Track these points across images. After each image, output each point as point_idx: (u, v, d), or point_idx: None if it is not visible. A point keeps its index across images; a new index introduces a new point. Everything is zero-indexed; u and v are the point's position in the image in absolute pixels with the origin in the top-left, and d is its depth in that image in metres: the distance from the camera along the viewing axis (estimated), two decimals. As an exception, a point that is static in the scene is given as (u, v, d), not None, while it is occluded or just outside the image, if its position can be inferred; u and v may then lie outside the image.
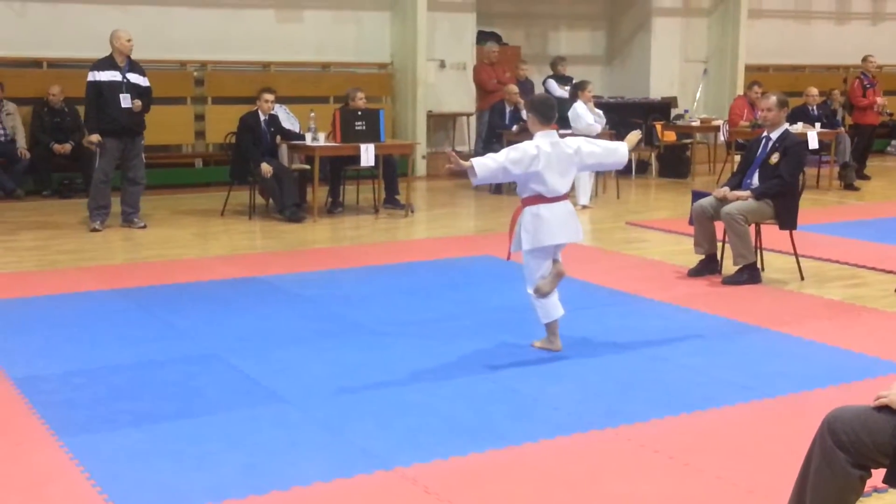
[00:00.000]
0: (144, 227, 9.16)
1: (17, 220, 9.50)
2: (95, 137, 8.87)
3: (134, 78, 9.03)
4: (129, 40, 8.97)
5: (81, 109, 10.98)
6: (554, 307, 5.23)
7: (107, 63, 8.95)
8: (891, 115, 14.79)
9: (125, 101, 8.89)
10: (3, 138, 10.84)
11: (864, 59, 13.64)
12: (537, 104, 5.28)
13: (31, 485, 3.52)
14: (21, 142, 10.83)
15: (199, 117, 12.20)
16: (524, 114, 11.80)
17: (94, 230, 8.89)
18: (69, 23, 11.38)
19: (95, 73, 8.88)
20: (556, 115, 5.26)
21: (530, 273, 5.23)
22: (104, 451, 3.80)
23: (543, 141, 5.12)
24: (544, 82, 13.23)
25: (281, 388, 4.59)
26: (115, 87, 8.87)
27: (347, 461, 3.73)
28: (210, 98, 12.23)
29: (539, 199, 5.14)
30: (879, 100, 13.25)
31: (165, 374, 4.79)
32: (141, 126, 9.17)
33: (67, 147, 10.95)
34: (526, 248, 5.17)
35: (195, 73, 12.24)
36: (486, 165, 5.02)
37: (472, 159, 5.09)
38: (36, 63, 11.47)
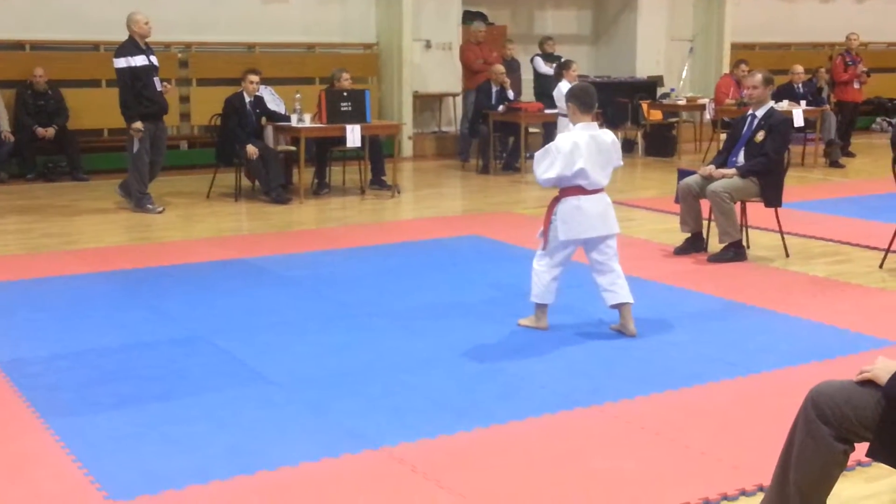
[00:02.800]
0: (163, 210, 9.08)
1: (1, 204, 9.44)
2: (140, 125, 8.78)
3: (154, 60, 8.98)
4: (147, 23, 8.88)
5: (66, 92, 10.97)
6: (549, 292, 5.20)
7: (133, 47, 8.80)
8: (877, 97, 14.76)
9: (158, 84, 8.91)
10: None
11: (847, 37, 13.63)
12: (578, 93, 5.16)
13: (17, 467, 3.52)
14: (4, 125, 10.74)
15: (184, 99, 12.12)
16: (510, 94, 11.88)
17: (160, 212, 8.95)
18: (53, 4, 11.27)
19: (129, 58, 8.71)
20: (596, 103, 5.18)
21: (551, 254, 5.19)
22: (90, 434, 3.80)
23: (582, 133, 5.05)
24: (532, 60, 13.19)
25: (266, 370, 4.58)
26: (148, 71, 8.83)
27: (334, 441, 3.74)
28: (195, 80, 12.15)
29: (580, 190, 5.08)
30: (861, 66, 13.20)
31: (151, 357, 4.78)
32: (167, 108, 9.19)
33: (51, 131, 10.86)
34: (562, 238, 5.12)
35: (179, 55, 12.15)
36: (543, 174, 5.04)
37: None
38: (19, 45, 11.37)
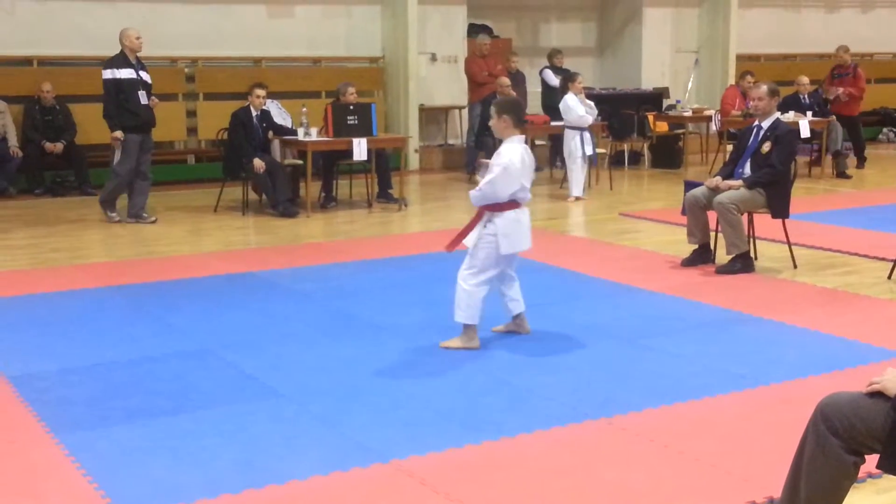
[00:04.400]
0: (155, 221, 9.31)
1: (10, 219, 9.48)
2: (119, 134, 9.02)
3: (144, 75, 9.22)
4: (138, 38, 9.13)
5: (73, 107, 11.02)
6: (479, 311, 5.13)
7: (122, 61, 9.07)
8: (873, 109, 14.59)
9: (143, 97, 9.11)
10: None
11: (837, 51, 13.55)
12: (513, 107, 5.22)
13: (28, 482, 3.53)
14: (13, 140, 10.80)
15: (191, 113, 12.18)
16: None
17: (115, 221, 9.20)
18: (60, 20, 11.35)
19: (115, 70, 9.00)
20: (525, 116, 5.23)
21: (479, 268, 5.13)
22: (100, 448, 3.80)
23: (518, 147, 5.11)
24: (541, 72, 13.23)
25: (276, 383, 4.59)
26: (133, 85, 9.07)
27: (344, 455, 3.74)
28: (202, 94, 12.21)
29: (516, 204, 5.15)
30: (841, 90, 13.02)
31: (160, 371, 4.79)
32: (154, 122, 9.36)
33: (59, 146, 10.92)
34: (504, 251, 5.10)
35: (186, 70, 12.22)
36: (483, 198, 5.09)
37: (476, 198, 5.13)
38: (27, 61, 11.44)
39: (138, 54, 9.17)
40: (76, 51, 11.29)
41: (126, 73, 9.02)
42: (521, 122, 5.22)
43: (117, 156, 9.14)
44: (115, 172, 9.22)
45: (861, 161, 13.24)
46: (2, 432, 4.01)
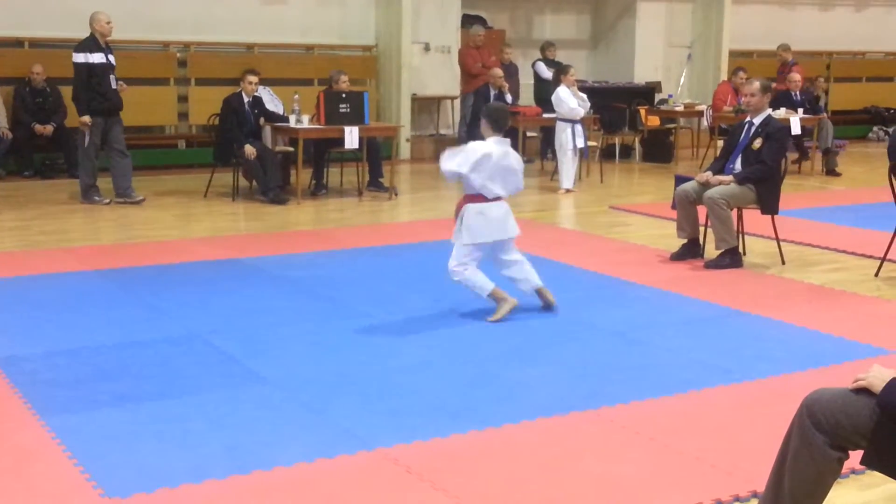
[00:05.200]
0: (143, 199, 9.40)
1: (-1, 201, 9.45)
2: (88, 119, 9.11)
3: (112, 59, 9.31)
4: (108, 22, 9.22)
5: (64, 90, 10.94)
6: (486, 280, 5.53)
7: (93, 45, 9.14)
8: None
9: (113, 82, 9.22)
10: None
11: (777, 49, 13.41)
12: (493, 113, 5.58)
13: (13, 464, 3.52)
14: (3, 121, 10.75)
15: (183, 98, 12.13)
16: (509, 97, 11.90)
17: (107, 203, 9.27)
18: (51, 2, 11.28)
19: (87, 54, 9.07)
20: (508, 124, 5.62)
21: (458, 261, 5.49)
22: (86, 431, 3.80)
23: (496, 147, 5.44)
24: (534, 64, 13.23)
25: (263, 370, 4.59)
26: (104, 69, 9.15)
27: (329, 442, 3.74)
28: (193, 79, 12.15)
29: (482, 198, 5.44)
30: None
31: (147, 355, 4.78)
32: (121, 105, 9.47)
33: (49, 128, 10.87)
34: (466, 242, 5.45)
35: (178, 55, 12.16)
36: (447, 166, 5.40)
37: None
38: (18, 42, 11.37)
39: (117, 37, 9.38)
40: (67, 33, 11.20)
41: (98, 58, 9.10)
42: (499, 127, 5.52)
43: (86, 139, 9.21)
44: (84, 155, 9.29)
45: (803, 160, 13.09)
46: (-13, 414, 4.00)
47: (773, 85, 12.56)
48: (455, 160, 5.38)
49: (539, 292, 5.71)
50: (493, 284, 5.53)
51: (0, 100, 10.87)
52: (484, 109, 5.68)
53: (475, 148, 5.40)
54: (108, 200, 9.30)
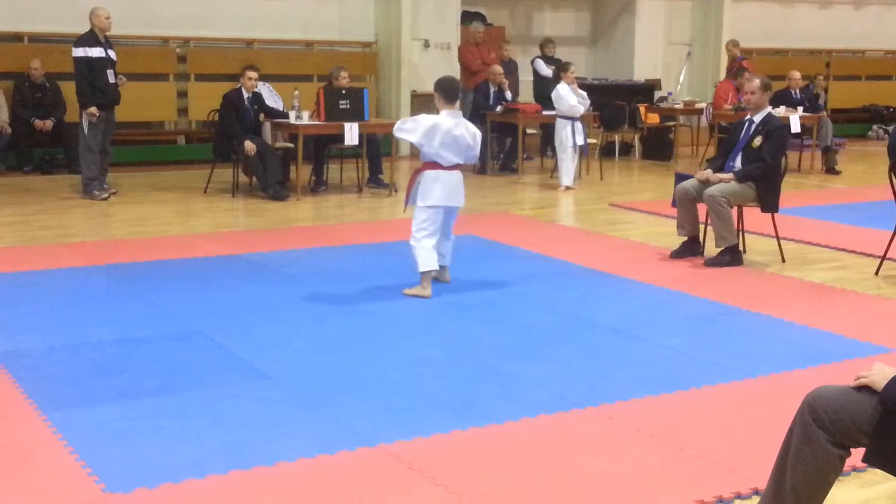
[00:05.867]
0: (115, 192, 9.53)
1: (-2, 196, 9.44)
2: (95, 109, 9.18)
3: (111, 54, 9.37)
4: (107, 17, 9.29)
5: (63, 85, 10.96)
6: (431, 258, 5.87)
7: (92, 39, 9.21)
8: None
9: (111, 76, 9.28)
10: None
11: (727, 45, 13.32)
12: (444, 84, 5.96)
13: (15, 459, 3.52)
14: (4, 116, 10.75)
15: (182, 94, 12.14)
16: (508, 94, 11.90)
17: (105, 198, 9.32)
18: (51, -3, 11.27)
19: (87, 49, 9.16)
20: (459, 95, 6.04)
21: (417, 226, 5.90)
22: (87, 427, 3.80)
23: (447, 119, 5.84)
24: (532, 62, 13.22)
25: (263, 365, 4.59)
26: (103, 63, 9.22)
27: (331, 438, 3.74)
28: (193, 75, 12.16)
29: (437, 165, 5.87)
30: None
31: (148, 351, 4.78)
32: (119, 99, 9.54)
33: (49, 123, 10.86)
34: (422, 204, 5.87)
35: (178, 50, 12.17)
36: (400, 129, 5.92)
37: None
38: (17, 37, 11.37)
39: (117, 32, 9.49)
40: (68, 28, 11.19)
41: (97, 52, 9.19)
42: (450, 98, 5.94)
43: (86, 131, 9.27)
44: (86, 148, 9.33)
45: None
46: (-12, 409, 4.00)
47: (725, 80, 12.59)
48: (405, 126, 5.86)
49: (443, 269, 6.16)
50: (436, 268, 5.91)
51: (1, 95, 10.86)
52: (435, 84, 5.99)
53: (424, 119, 5.82)
54: (106, 195, 9.33)
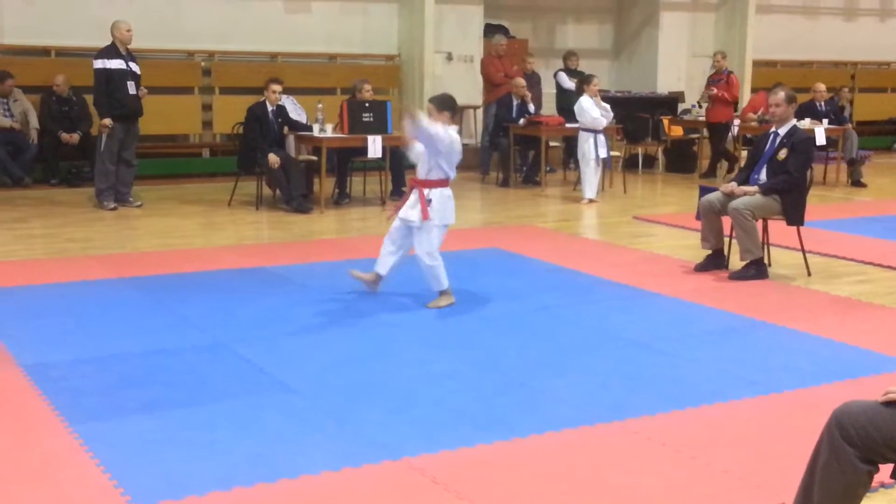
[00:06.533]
0: (141, 205, 9.63)
1: (26, 209, 9.53)
2: (108, 121, 9.32)
3: (133, 66, 9.49)
4: (128, 30, 9.43)
5: (89, 98, 11.04)
6: (445, 276, 5.96)
7: (112, 52, 9.35)
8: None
9: (132, 88, 9.39)
10: (12, 126, 10.83)
11: (714, 55, 13.18)
12: (448, 101, 6.00)
13: (41, 471, 3.54)
14: (34, 122, 10.90)
15: (207, 107, 12.22)
16: (531, 107, 11.90)
17: (113, 209, 9.45)
18: (78, 11, 11.40)
19: (105, 60, 9.30)
20: (455, 107, 6.06)
21: (430, 244, 5.93)
22: (113, 438, 3.82)
23: (453, 132, 5.89)
24: (555, 75, 13.23)
25: (288, 378, 4.60)
26: (122, 75, 9.35)
27: (355, 450, 3.75)
28: (218, 88, 12.24)
29: (445, 182, 5.93)
30: (715, 90, 12.48)
31: (173, 363, 4.81)
32: (141, 111, 9.65)
33: (76, 137, 10.97)
34: (438, 223, 5.91)
35: (203, 63, 12.25)
36: (430, 126, 5.72)
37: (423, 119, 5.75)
38: (45, 51, 11.49)
39: (142, 46, 9.57)
40: (93, 42, 11.29)
41: (116, 64, 9.32)
42: (455, 114, 6.02)
43: (103, 142, 9.42)
44: (100, 159, 9.50)
45: (714, 169, 12.82)
46: (17, 421, 4.03)
47: (719, 91, 12.48)
48: (436, 130, 5.71)
49: (379, 277, 6.16)
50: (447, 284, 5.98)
51: (29, 106, 10.98)
52: (440, 102, 5.98)
53: (449, 130, 5.81)
54: (114, 206, 9.49)
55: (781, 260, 7.42)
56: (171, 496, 3.32)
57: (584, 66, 13.42)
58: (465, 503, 3.35)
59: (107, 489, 3.38)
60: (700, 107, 12.63)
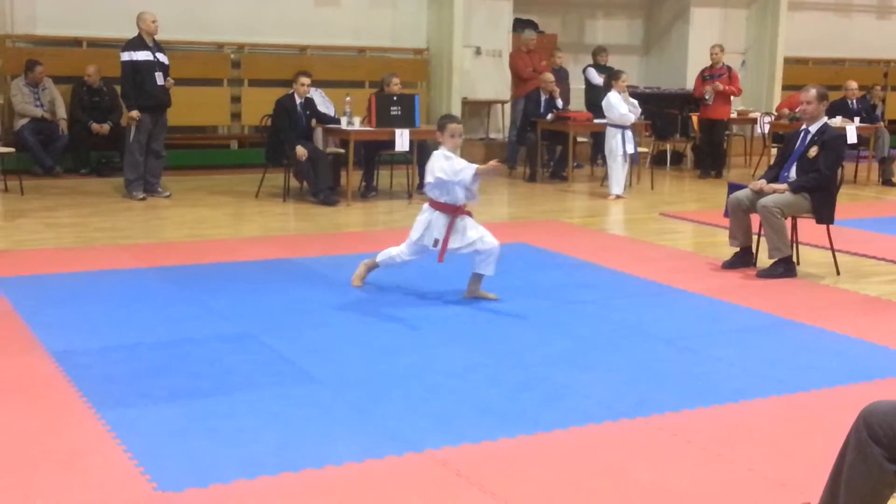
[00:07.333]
0: (169, 195, 9.73)
1: (57, 198, 9.62)
2: (136, 113, 9.42)
3: (161, 57, 9.59)
4: (154, 21, 9.53)
5: (119, 88, 11.14)
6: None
7: (139, 43, 9.45)
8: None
9: (159, 79, 9.47)
10: (43, 116, 10.93)
11: (711, 49, 13.01)
12: (440, 121, 6.02)
13: (69, 457, 3.58)
14: (62, 113, 10.99)
15: (236, 99, 12.27)
16: (559, 102, 11.88)
17: (141, 199, 9.56)
18: (109, 2, 11.47)
19: (132, 52, 9.39)
20: (450, 124, 5.98)
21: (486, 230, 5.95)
22: (141, 426, 3.85)
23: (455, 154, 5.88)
24: (584, 70, 13.20)
25: (313, 369, 4.62)
26: (150, 66, 9.45)
27: (378, 442, 3.76)
28: (246, 80, 12.29)
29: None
30: (708, 87, 12.37)
31: (200, 352, 4.84)
32: (169, 102, 9.71)
33: (106, 127, 11.06)
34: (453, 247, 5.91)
35: (232, 56, 12.31)
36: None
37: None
38: (76, 42, 11.58)
39: (171, 37, 9.63)
40: (124, 33, 11.38)
41: (143, 56, 9.40)
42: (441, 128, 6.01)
43: (132, 133, 9.53)
44: (129, 150, 9.62)
45: (708, 172, 12.66)
46: (45, 407, 4.07)
47: (726, 86, 12.34)
48: (461, 166, 5.77)
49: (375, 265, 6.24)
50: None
51: (59, 96, 11.08)
52: (443, 122, 6.01)
53: (455, 157, 5.84)
54: (142, 196, 9.59)
55: (810, 258, 7.37)
56: (197, 484, 3.35)
57: (613, 61, 13.37)
58: (487, 496, 3.36)
59: (134, 476, 3.42)
60: (707, 101, 12.51)
